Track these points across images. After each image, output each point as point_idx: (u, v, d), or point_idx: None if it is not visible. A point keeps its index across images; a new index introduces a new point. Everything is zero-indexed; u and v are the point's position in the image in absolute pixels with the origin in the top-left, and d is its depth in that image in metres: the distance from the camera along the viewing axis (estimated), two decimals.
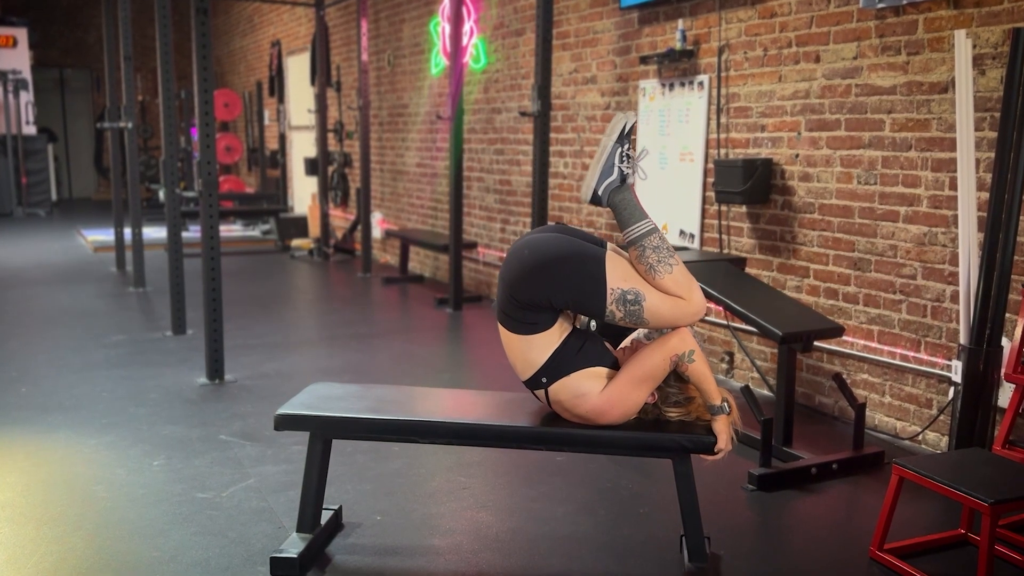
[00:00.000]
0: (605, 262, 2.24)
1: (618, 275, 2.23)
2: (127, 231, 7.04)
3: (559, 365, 2.28)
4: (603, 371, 2.31)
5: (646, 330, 2.43)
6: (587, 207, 5.32)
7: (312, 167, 8.84)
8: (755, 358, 4.18)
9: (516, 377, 2.41)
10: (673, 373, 2.31)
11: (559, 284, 2.22)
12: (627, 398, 2.27)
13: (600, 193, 2.30)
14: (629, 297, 2.21)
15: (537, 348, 2.28)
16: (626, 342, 2.44)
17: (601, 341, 2.39)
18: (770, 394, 4.00)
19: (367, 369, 4.50)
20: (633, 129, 2.32)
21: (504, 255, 6.32)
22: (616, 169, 2.30)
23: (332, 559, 2.47)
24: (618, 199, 2.30)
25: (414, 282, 7.14)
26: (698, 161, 4.43)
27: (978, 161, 3.14)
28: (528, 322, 2.27)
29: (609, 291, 2.21)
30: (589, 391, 2.28)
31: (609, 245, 2.35)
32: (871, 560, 2.49)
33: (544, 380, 2.30)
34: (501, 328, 2.35)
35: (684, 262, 3.58)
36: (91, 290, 6.53)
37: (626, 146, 2.30)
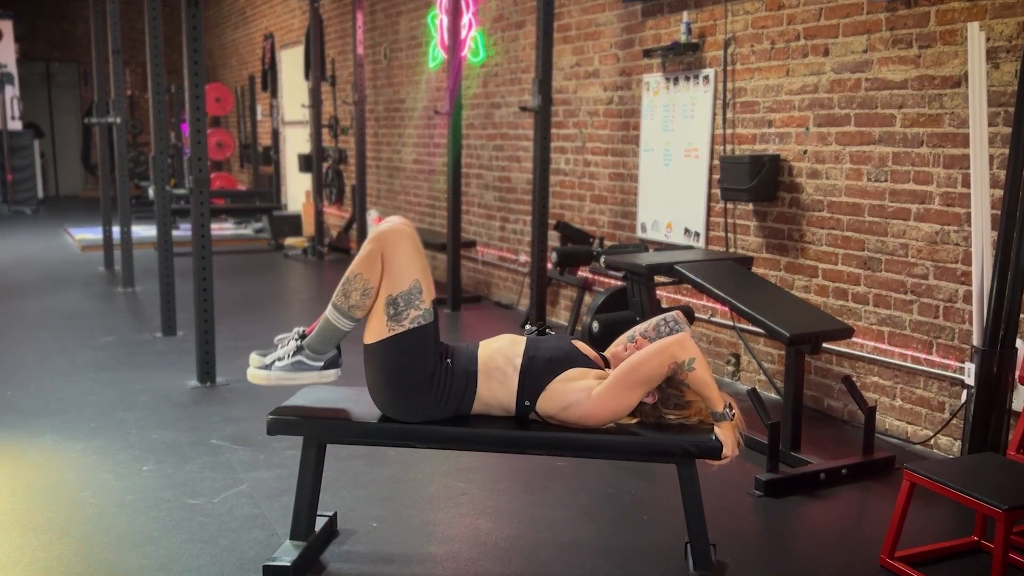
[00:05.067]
0: (372, 341, 2.27)
1: (377, 327, 2.26)
2: (116, 229, 6.95)
3: (532, 382, 2.28)
4: (581, 372, 2.30)
5: (644, 327, 2.40)
6: (588, 205, 5.28)
7: (306, 164, 8.76)
8: (762, 360, 4.15)
9: None
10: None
11: (404, 382, 2.27)
12: (620, 400, 2.25)
13: (330, 371, 2.39)
14: (391, 310, 2.24)
15: (497, 382, 2.29)
16: (622, 339, 2.43)
17: (567, 343, 2.39)
18: (777, 397, 3.97)
19: (363, 372, 4.44)
20: (265, 357, 2.40)
21: (504, 253, 6.24)
22: (298, 362, 2.36)
23: (327, 567, 2.45)
24: (317, 351, 2.36)
25: None
26: (703, 157, 4.37)
27: (992, 157, 3.12)
28: (466, 387, 2.29)
29: (391, 333, 2.24)
30: (577, 395, 2.26)
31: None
32: (881, 568, 2.47)
33: (527, 403, 2.30)
34: (474, 413, 2.37)
35: (689, 261, 3.59)
36: (78, 290, 6.48)
37: (275, 362, 2.36)
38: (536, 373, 2.28)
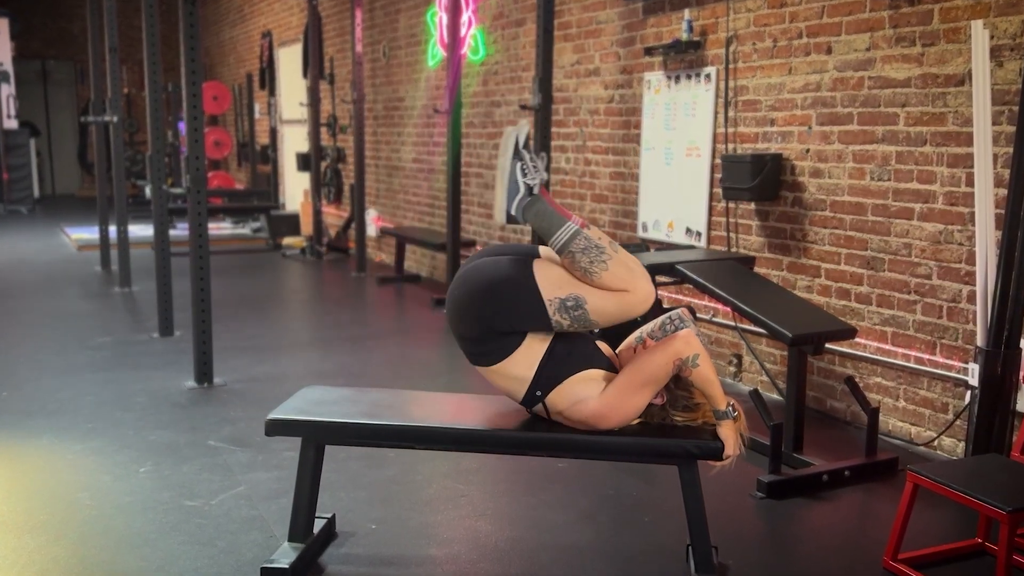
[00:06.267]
0: (535, 275, 2.21)
1: (552, 284, 2.20)
2: (112, 229, 6.93)
3: (549, 374, 2.25)
4: (598, 373, 2.28)
5: (650, 328, 2.37)
6: (590, 203, 5.25)
7: (304, 163, 8.73)
8: (764, 361, 4.13)
9: None
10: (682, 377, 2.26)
11: (496, 312, 2.20)
12: (628, 402, 2.24)
13: (514, 213, 2.28)
14: (569, 304, 2.19)
15: (522, 365, 2.25)
16: (631, 339, 2.41)
17: (590, 342, 2.36)
18: (780, 398, 3.94)
19: (361, 372, 4.45)
20: (528, 139, 2.30)
21: None
22: (521, 185, 2.26)
23: (325, 569, 2.44)
24: (532, 213, 2.26)
25: (410, 282, 7.07)
26: (705, 156, 4.35)
27: (995, 156, 3.11)
28: (495, 351, 2.25)
29: (547, 303, 2.19)
30: (587, 396, 2.24)
31: (542, 251, 2.31)
32: (885, 570, 2.46)
33: (539, 394, 2.27)
34: (479, 369, 2.32)
35: (690, 261, 3.55)
36: (75, 290, 6.45)
37: (526, 158, 2.27)
38: (555, 366, 2.25)
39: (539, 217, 2.24)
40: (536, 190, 2.26)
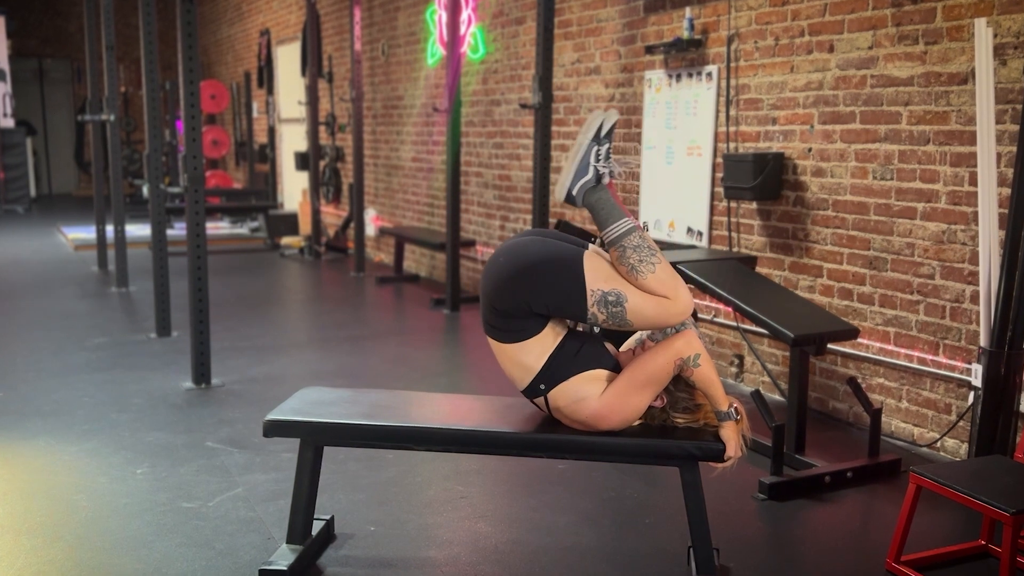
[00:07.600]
0: (583, 264, 2.20)
1: (598, 276, 2.19)
2: (109, 228, 6.89)
3: (556, 370, 2.24)
4: (603, 374, 2.27)
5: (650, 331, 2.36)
6: None
7: (303, 162, 8.70)
8: (766, 361, 4.11)
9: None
10: (683, 377, 2.25)
11: (536, 289, 2.18)
12: (629, 402, 2.23)
13: (574, 193, 2.25)
14: (610, 298, 2.17)
15: (532, 354, 2.24)
16: (630, 342, 2.40)
17: (600, 342, 2.35)
18: (782, 399, 3.93)
19: (360, 373, 4.44)
20: (612, 128, 2.27)
21: None
22: (592, 168, 2.24)
23: (323, 571, 2.43)
24: (594, 199, 2.24)
25: (409, 282, 7.06)
26: (706, 155, 4.34)
27: (999, 155, 3.10)
28: (515, 330, 2.23)
29: (589, 293, 2.18)
30: (589, 395, 2.24)
31: (590, 245, 2.31)
32: (887, 572, 2.45)
33: (542, 387, 2.26)
34: (490, 340, 2.31)
35: (691, 261, 3.54)
36: (72, 290, 6.43)
37: (605, 146, 2.25)
38: (563, 362, 2.23)
39: (599, 204, 2.22)
40: (604, 180, 2.24)
